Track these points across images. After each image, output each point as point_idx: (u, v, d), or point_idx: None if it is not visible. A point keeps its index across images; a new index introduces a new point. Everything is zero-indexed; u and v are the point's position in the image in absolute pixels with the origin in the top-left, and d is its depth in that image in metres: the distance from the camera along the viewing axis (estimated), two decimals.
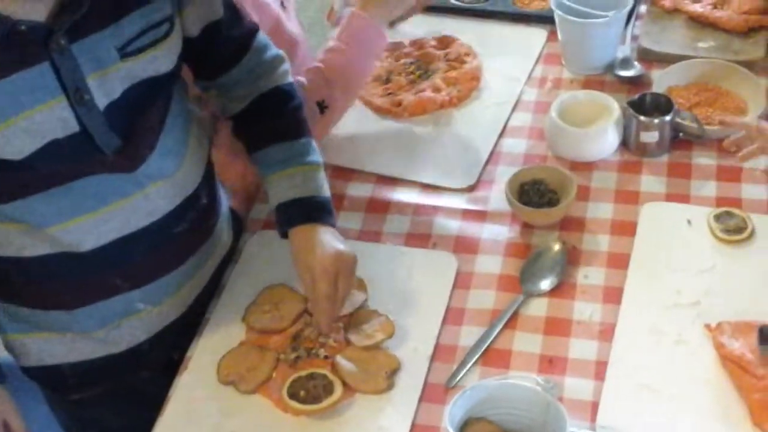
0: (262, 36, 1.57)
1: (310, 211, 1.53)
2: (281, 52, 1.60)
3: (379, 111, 1.91)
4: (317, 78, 1.73)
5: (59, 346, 1.53)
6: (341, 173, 1.78)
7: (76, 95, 1.31)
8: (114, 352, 1.54)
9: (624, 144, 1.78)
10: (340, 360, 1.46)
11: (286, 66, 1.60)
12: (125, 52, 1.35)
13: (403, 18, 1.91)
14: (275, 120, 1.57)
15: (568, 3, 1.89)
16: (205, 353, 1.53)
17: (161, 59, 1.40)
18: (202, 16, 1.46)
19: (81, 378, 1.58)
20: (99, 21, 1.31)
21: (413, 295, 1.58)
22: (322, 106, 1.72)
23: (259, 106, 1.57)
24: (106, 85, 1.34)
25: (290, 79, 1.60)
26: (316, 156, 1.57)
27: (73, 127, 1.33)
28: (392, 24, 1.94)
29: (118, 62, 1.34)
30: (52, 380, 1.60)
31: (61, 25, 1.27)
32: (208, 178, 1.58)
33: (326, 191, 1.55)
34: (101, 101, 1.34)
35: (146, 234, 1.46)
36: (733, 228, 1.59)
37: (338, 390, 1.42)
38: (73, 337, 1.52)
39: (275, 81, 1.58)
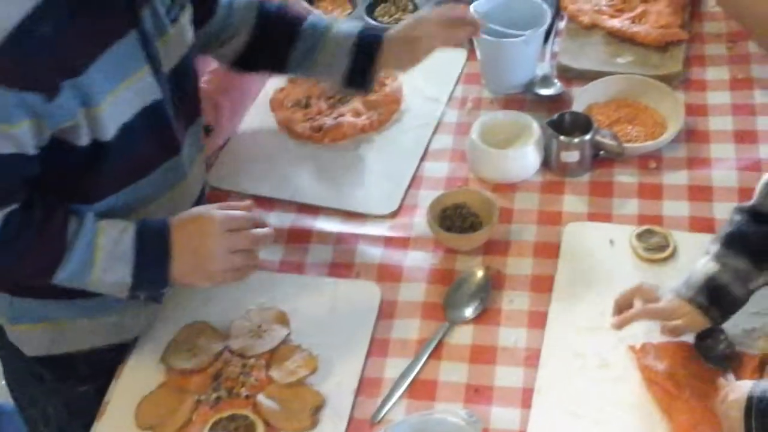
0: None
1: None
2: None
3: (299, 137, 1.88)
4: (205, 100, 1.70)
5: (72, 334, 1.53)
6: (261, 203, 1.74)
7: (155, 63, 1.38)
8: (127, 339, 1.55)
9: (545, 164, 1.77)
10: (262, 399, 1.43)
11: None
12: (170, 18, 1.41)
13: None
14: (277, 38, 1.67)
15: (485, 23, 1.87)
16: (124, 397, 1.48)
17: (188, 28, 1.49)
18: None
19: (93, 367, 1.57)
20: None
21: (337, 327, 1.55)
22: (207, 129, 1.71)
23: (258, 32, 1.67)
24: (169, 53, 1.41)
25: None
26: (323, 19, 1.70)
27: (157, 94, 1.39)
28: None
29: (170, 29, 1.41)
30: (63, 370, 1.58)
31: None
32: None
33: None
34: (166, 69, 1.41)
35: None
36: (655, 246, 1.58)
37: (260, 430, 1.39)
38: (87, 325, 1.53)
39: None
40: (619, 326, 1.42)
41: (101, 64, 1.30)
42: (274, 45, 1.68)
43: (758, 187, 1.41)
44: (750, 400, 1.23)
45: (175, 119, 1.47)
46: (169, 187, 1.51)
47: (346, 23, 1.72)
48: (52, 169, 1.34)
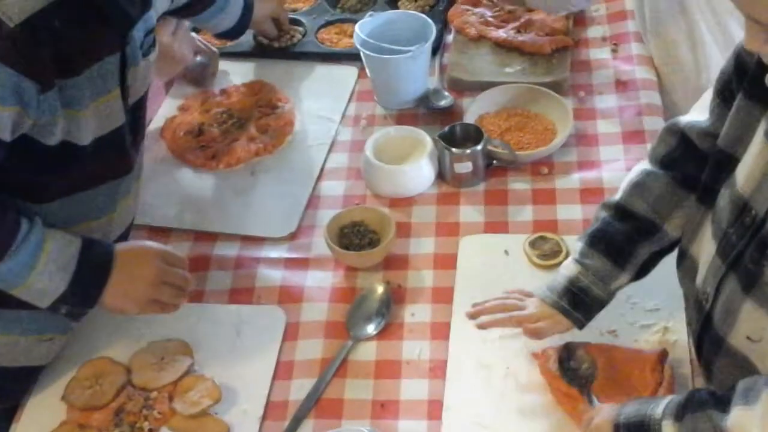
0: None
1: None
2: None
3: (194, 165, 1.86)
4: None
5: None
6: (157, 233, 1.73)
7: (125, 90, 1.42)
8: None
9: (441, 176, 1.79)
10: None
11: None
12: (142, 52, 1.46)
13: (205, 78, 2.01)
14: None
15: (371, 40, 1.89)
16: None
17: (152, 67, 1.53)
18: None
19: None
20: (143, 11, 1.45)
21: (241, 354, 1.54)
22: None
23: None
24: (135, 85, 1.45)
25: None
26: None
27: (122, 119, 1.41)
28: (198, 83, 2.01)
29: (140, 62, 1.44)
30: None
31: (141, 16, 1.38)
32: None
33: None
34: (132, 97, 1.46)
35: None
36: (548, 252, 1.61)
37: None
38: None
39: None
40: (483, 326, 1.44)
41: (91, 74, 1.35)
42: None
43: (623, 184, 1.42)
44: (616, 428, 1.22)
45: (131, 147, 1.51)
46: (114, 203, 1.52)
47: None
48: (13, 163, 1.34)
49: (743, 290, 1.17)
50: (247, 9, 1.94)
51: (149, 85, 1.55)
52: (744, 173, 1.18)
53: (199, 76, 2.01)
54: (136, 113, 1.52)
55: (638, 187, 1.39)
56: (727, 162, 1.23)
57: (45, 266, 1.37)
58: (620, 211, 1.40)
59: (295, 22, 2.14)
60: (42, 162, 1.38)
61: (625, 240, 1.38)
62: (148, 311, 1.49)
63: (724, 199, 1.22)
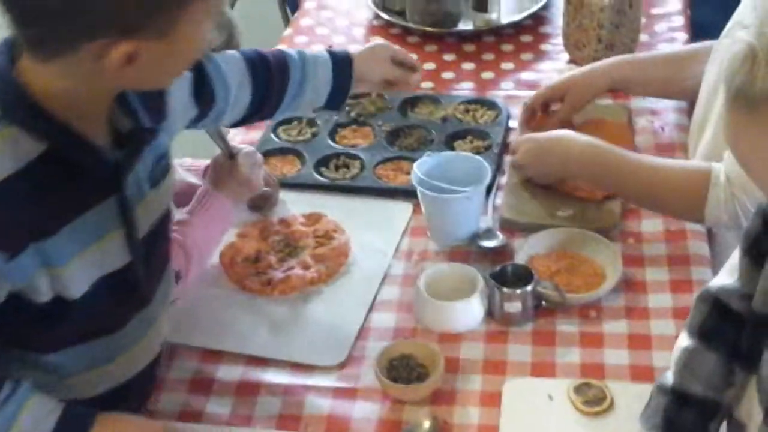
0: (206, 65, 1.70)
1: None
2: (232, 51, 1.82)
3: (249, 291, 1.92)
4: (177, 249, 1.74)
5: None
6: (210, 356, 1.77)
7: (131, 228, 1.40)
8: None
9: (490, 314, 1.82)
10: None
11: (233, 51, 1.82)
12: (151, 183, 1.43)
13: (266, 207, 2.07)
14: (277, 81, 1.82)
15: (428, 179, 1.95)
16: None
17: (166, 192, 1.51)
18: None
19: None
20: (138, 151, 1.41)
21: None
22: (177, 276, 1.74)
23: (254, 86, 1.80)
24: (145, 217, 1.44)
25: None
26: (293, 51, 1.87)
27: (126, 258, 1.39)
28: (259, 210, 2.07)
29: (150, 192, 1.43)
30: None
31: (130, 158, 1.35)
32: None
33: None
34: (141, 232, 1.41)
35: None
36: (592, 399, 1.61)
37: None
38: None
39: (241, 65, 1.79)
40: None
41: (73, 228, 1.32)
42: (274, 92, 1.85)
43: (672, 364, 1.44)
44: None
45: (145, 279, 1.48)
46: (136, 339, 1.52)
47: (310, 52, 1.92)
48: (7, 320, 1.34)
49: None
50: (339, 70, 1.90)
51: (166, 209, 1.53)
52: None
53: (262, 205, 2.08)
54: (153, 241, 1.48)
55: (687, 368, 1.40)
56: (765, 324, 1.24)
57: None
58: (678, 396, 1.40)
59: (353, 156, 2.23)
60: (38, 318, 1.35)
61: (694, 426, 1.38)
62: None
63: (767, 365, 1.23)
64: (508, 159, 2.17)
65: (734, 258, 1.36)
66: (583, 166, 1.96)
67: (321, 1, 2.94)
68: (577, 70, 2.24)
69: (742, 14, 1.89)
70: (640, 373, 1.68)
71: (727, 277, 1.37)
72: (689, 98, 2.18)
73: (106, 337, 1.46)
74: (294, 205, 2.12)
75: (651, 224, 2.01)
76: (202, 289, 1.93)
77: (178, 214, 1.80)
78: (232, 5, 4.71)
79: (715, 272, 1.70)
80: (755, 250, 1.28)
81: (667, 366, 1.49)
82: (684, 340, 1.43)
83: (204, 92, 1.70)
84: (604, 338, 1.76)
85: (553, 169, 2.03)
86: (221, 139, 1.93)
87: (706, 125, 1.97)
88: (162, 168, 1.49)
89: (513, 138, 2.23)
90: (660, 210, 1.95)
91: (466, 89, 2.49)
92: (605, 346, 1.74)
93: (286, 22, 3.83)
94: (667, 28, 2.66)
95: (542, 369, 1.72)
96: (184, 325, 1.83)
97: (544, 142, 2.03)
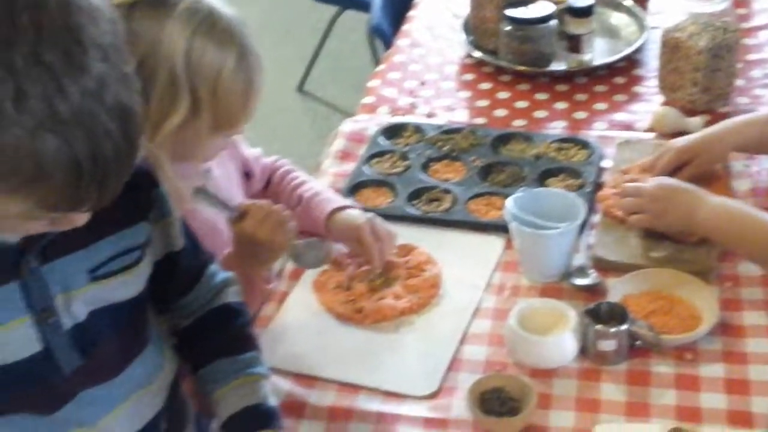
0: (214, 265, 1.64)
1: (261, 417, 1.52)
2: (230, 274, 1.66)
3: (341, 318, 1.93)
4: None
5: None
6: (302, 380, 1.78)
7: (42, 315, 1.30)
8: None
9: (583, 351, 1.80)
10: None
11: (236, 287, 1.65)
12: (95, 275, 1.35)
13: (313, 263, 1.99)
14: (222, 335, 1.60)
15: (522, 215, 1.95)
16: None
17: (130, 284, 1.41)
18: (163, 245, 1.50)
19: None
20: (72, 243, 1.31)
21: None
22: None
23: (206, 321, 1.60)
24: (72, 307, 1.33)
25: (239, 298, 1.65)
26: (263, 368, 1.59)
27: (35, 347, 1.31)
28: (310, 267, 2.01)
29: (86, 285, 1.35)
30: None
31: (33, 248, 1.27)
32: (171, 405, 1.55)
33: (273, 401, 1.56)
34: (66, 322, 1.33)
35: None
36: None
37: None
38: None
39: (223, 299, 1.62)
40: None
41: None
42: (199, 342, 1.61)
43: None
44: None
45: (73, 370, 1.35)
46: (102, 411, 1.41)
47: None
48: None
49: None
50: None
51: (131, 298, 1.41)
52: None
53: (311, 260, 1.97)
54: (85, 335, 1.34)
55: None
56: None
57: None
58: None
59: (445, 190, 2.24)
60: None
61: None
62: None
63: None
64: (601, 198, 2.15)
65: None
66: (713, 223, 1.92)
67: (414, 39, 2.97)
68: (698, 135, 2.19)
69: None
70: (738, 419, 1.65)
71: None
72: None
73: (36, 417, 1.35)
74: None
75: (748, 268, 1.97)
76: (294, 314, 1.95)
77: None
78: (321, 44, 4.79)
79: None
80: None
81: (765, 412, 1.47)
82: None
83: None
84: (700, 381, 1.73)
85: (678, 221, 1.98)
86: (218, 203, 1.80)
87: None
88: (128, 260, 1.39)
89: (606, 178, 2.22)
90: None
91: (558, 128, 2.49)
92: (701, 390, 1.72)
93: (375, 58, 3.87)
94: (762, 74, 2.64)
95: (636, 410, 1.69)
96: (274, 350, 1.84)
97: (673, 191, 1.99)
